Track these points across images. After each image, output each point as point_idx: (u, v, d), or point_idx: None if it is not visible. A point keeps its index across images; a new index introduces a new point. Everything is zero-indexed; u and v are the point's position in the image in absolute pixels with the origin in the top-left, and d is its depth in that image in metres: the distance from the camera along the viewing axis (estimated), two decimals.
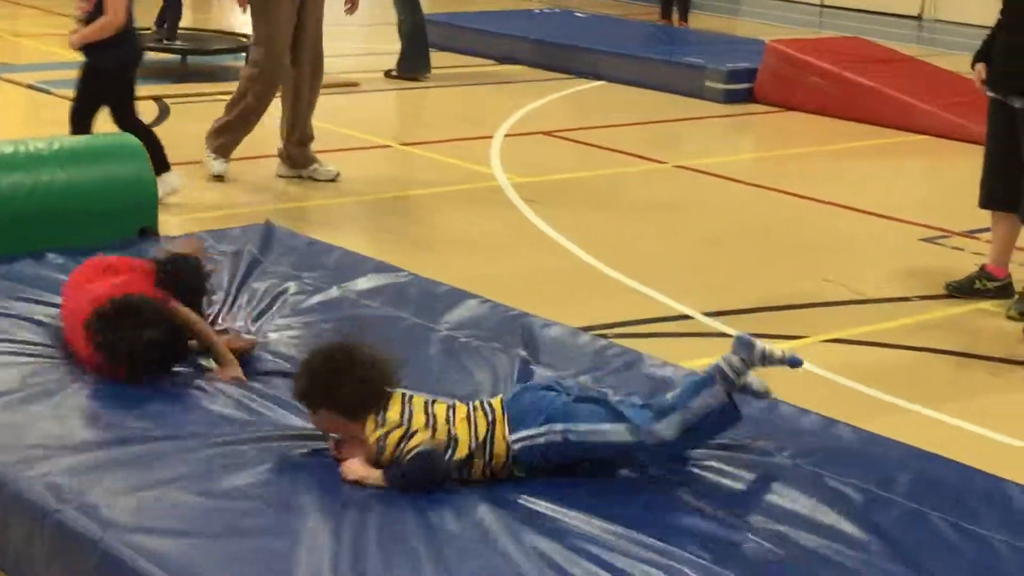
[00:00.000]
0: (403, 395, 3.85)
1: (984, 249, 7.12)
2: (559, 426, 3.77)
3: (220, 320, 4.94)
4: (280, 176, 8.52)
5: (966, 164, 9.82)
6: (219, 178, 8.25)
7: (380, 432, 3.73)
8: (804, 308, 6.52)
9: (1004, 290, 6.68)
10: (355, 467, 3.72)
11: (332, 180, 8.46)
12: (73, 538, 3.44)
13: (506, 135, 9.97)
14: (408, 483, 3.67)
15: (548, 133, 10.06)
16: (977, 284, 6.71)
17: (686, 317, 6.28)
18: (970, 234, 7.74)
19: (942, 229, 7.89)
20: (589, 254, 7.16)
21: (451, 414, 3.82)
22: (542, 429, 3.77)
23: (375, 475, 3.70)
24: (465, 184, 8.51)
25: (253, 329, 4.94)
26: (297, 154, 8.55)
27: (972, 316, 6.49)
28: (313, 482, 3.73)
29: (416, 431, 3.74)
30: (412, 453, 3.70)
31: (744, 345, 3.87)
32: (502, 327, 5.06)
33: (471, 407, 3.86)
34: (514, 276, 6.73)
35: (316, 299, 5.26)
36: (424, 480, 3.68)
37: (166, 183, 7.32)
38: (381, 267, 5.64)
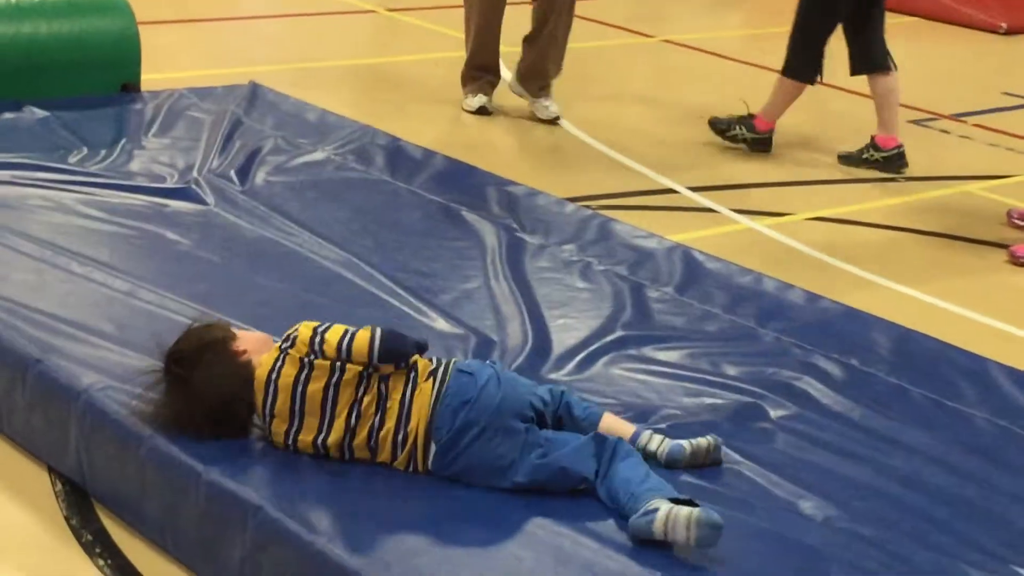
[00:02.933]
0: None
1: (970, 132, 7.10)
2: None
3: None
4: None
5: (956, 47, 9.78)
6: (483, 110, 7.11)
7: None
8: (790, 185, 6.49)
9: (889, 161, 6.66)
10: None
11: (552, 121, 7.11)
12: (56, 388, 3.43)
13: None
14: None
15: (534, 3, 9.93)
16: (865, 155, 6.72)
17: (671, 191, 6.25)
18: (958, 117, 7.70)
19: (931, 112, 7.84)
20: (575, 126, 7.10)
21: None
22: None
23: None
24: (450, 52, 8.40)
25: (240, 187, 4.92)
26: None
27: (959, 198, 6.48)
28: None
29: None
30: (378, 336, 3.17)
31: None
32: (487, 194, 5.04)
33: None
34: (498, 146, 6.68)
35: (301, 160, 5.23)
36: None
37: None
38: (367, 131, 5.59)
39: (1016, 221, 6.09)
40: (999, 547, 3.10)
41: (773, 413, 3.60)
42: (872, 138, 6.71)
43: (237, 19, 8.58)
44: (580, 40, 9.08)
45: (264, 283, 4.16)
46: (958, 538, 3.11)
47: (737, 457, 3.35)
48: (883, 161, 6.65)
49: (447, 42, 8.64)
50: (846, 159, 6.72)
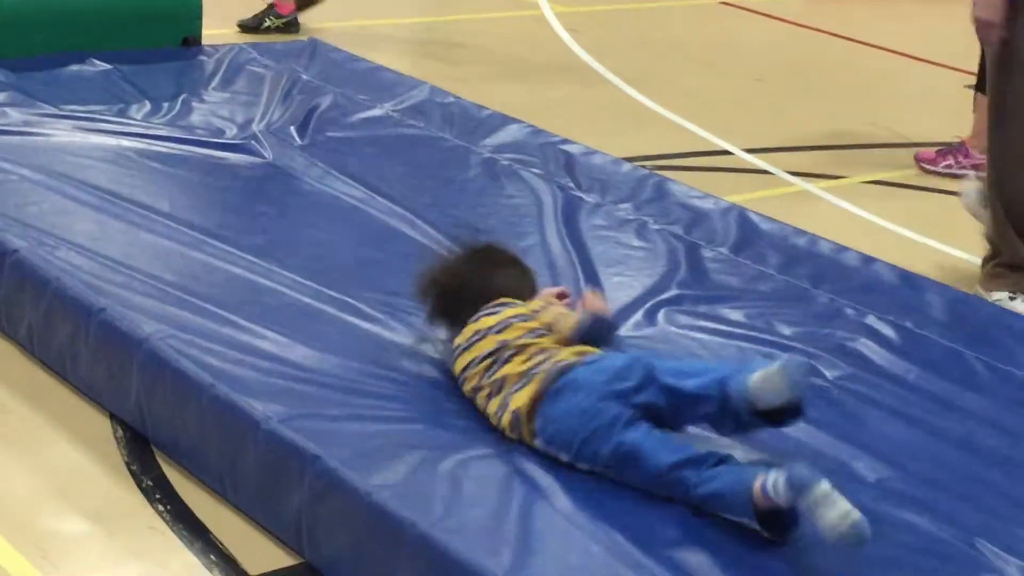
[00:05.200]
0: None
1: None
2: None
3: None
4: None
5: None
6: None
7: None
8: (846, 149, 6.47)
9: (289, 26, 7.25)
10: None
11: None
12: (118, 336, 3.48)
13: None
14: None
15: None
16: (267, 22, 7.23)
17: (727, 153, 6.24)
18: None
19: None
20: (631, 86, 7.09)
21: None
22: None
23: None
24: (508, 11, 8.42)
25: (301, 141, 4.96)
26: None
27: None
28: None
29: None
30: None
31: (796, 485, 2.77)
32: (544, 153, 5.06)
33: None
34: (555, 105, 6.68)
35: (359, 116, 5.26)
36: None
37: None
38: (425, 88, 5.61)
39: (924, 166, 6.24)
40: None
41: (827, 373, 3.61)
42: (272, 5, 7.30)
43: None
44: (638, 1, 9.08)
45: (321, 237, 4.20)
46: (1012, 501, 3.11)
47: None
48: (283, 26, 7.27)
49: (506, 1, 8.65)
50: (244, 26, 7.20)
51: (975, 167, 6.11)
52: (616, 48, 7.83)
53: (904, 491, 3.12)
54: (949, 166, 6.14)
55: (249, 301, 3.69)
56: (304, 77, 5.57)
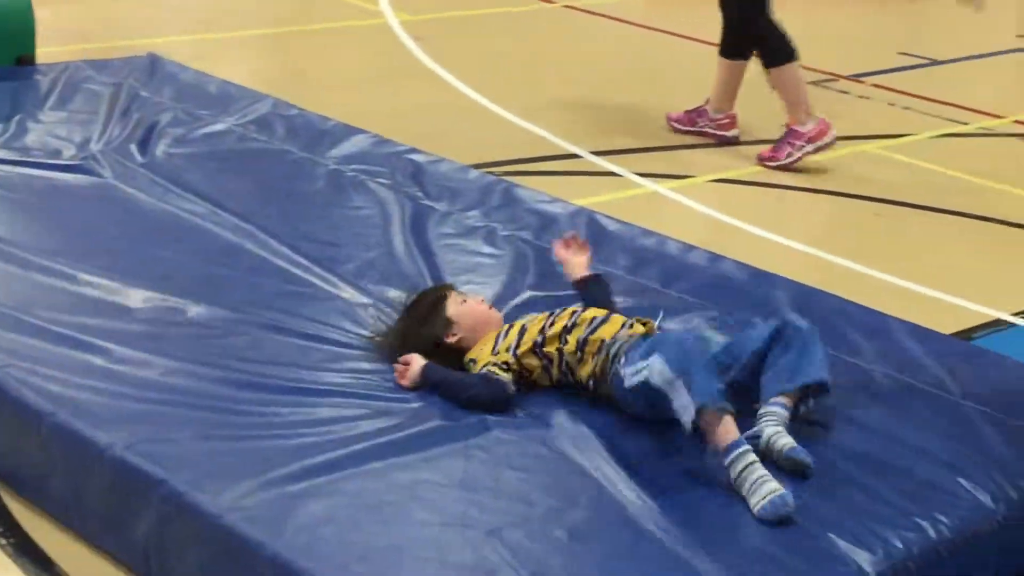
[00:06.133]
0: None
1: (869, 92, 7.12)
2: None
3: None
4: None
5: (853, 11, 9.87)
6: None
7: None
8: (693, 148, 6.52)
9: None
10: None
11: None
12: None
13: None
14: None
15: None
16: None
17: (575, 156, 6.26)
18: (856, 78, 7.78)
19: (829, 73, 7.91)
20: (477, 92, 7.09)
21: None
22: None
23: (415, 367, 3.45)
24: (351, 21, 8.38)
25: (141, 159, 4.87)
26: None
27: (857, 159, 6.54)
28: None
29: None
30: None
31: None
32: (390, 162, 5.03)
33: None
34: (402, 113, 6.65)
35: (201, 131, 5.19)
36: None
37: None
38: (268, 102, 5.55)
39: (674, 124, 6.60)
40: (902, 499, 3.13)
41: None
42: None
43: None
44: (481, 7, 9.09)
45: (165, 256, 4.13)
46: (863, 491, 3.14)
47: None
48: None
49: (350, 11, 8.60)
50: None
51: (810, 140, 6.17)
52: (461, 54, 7.82)
53: None
54: (790, 154, 6.21)
55: (93, 324, 3.61)
56: (143, 93, 5.48)
